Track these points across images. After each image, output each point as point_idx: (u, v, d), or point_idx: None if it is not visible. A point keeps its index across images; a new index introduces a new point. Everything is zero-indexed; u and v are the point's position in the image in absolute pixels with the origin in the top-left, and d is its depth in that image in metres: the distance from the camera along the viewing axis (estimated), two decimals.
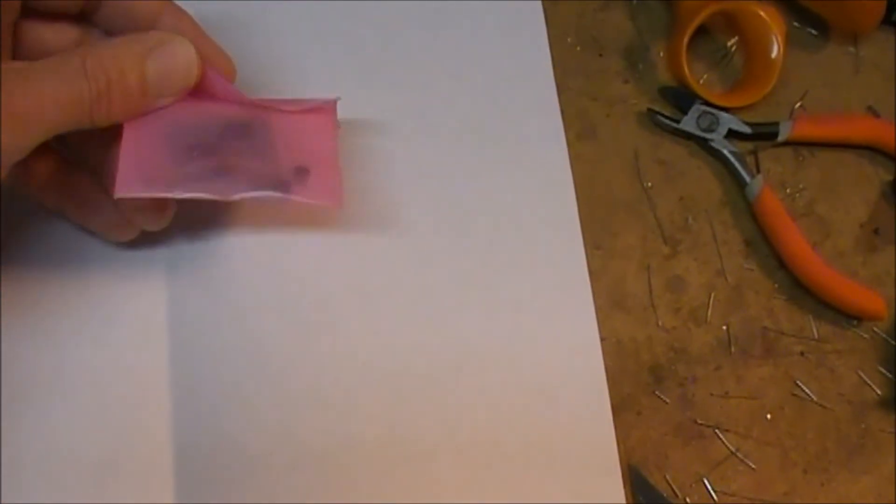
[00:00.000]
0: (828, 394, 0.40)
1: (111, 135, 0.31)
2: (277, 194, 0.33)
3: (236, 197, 0.32)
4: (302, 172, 0.34)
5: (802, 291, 0.41)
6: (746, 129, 0.42)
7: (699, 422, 0.38)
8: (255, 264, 0.38)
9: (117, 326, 0.36)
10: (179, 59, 0.31)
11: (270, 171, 0.33)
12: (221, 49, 0.34)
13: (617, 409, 0.38)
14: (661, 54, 0.44)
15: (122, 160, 0.31)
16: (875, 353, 0.40)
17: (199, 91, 0.32)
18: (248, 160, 0.33)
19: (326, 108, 0.35)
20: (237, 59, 0.34)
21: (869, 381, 0.40)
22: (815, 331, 0.40)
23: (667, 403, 0.39)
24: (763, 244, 0.41)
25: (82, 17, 0.32)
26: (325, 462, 0.36)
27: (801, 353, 0.40)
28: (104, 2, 0.31)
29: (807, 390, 0.40)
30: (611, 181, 0.42)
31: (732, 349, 0.40)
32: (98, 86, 0.28)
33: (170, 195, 0.32)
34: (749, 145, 0.43)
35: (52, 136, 0.28)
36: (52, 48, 0.32)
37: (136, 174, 0.31)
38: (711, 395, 0.39)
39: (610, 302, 0.40)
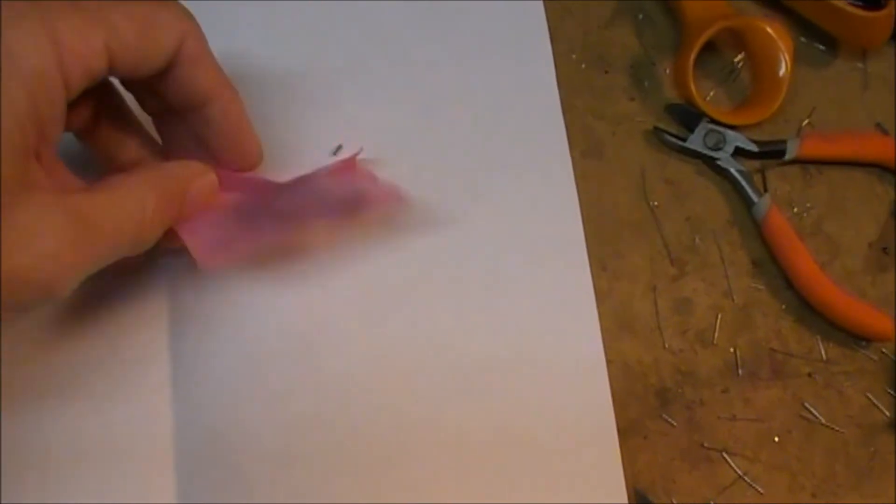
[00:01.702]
0: (836, 416, 0.39)
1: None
2: (351, 208, 0.36)
3: (314, 231, 0.36)
4: (359, 193, 0.36)
5: (810, 312, 0.40)
6: (753, 148, 0.42)
7: (706, 445, 0.38)
8: (253, 280, 0.38)
9: (120, 350, 0.36)
10: (204, 191, 0.33)
11: (333, 203, 0.35)
12: (257, 139, 0.34)
13: (623, 433, 0.37)
14: (668, 71, 0.44)
15: (188, 238, 0.32)
16: (884, 375, 0.40)
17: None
18: (309, 204, 0.35)
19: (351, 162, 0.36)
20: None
21: (878, 404, 0.40)
22: (823, 352, 0.40)
23: (674, 426, 0.38)
24: (771, 264, 0.41)
25: (146, 83, 0.32)
26: (327, 477, 0.35)
27: (809, 375, 0.40)
28: (167, 78, 0.31)
29: (815, 412, 0.39)
30: (617, 200, 0.41)
31: (740, 371, 0.39)
32: (153, 230, 0.30)
33: (254, 246, 0.34)
34: (756, 164, 0.42)
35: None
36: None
37: (211, 245, 0.33)
38: (719, 417, 0.39)
39: (616, 324, 0.39)
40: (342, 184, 0.36)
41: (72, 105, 0.32)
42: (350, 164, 0.36)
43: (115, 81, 0.33)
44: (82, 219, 0.27)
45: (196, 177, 0.32)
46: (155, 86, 0.31)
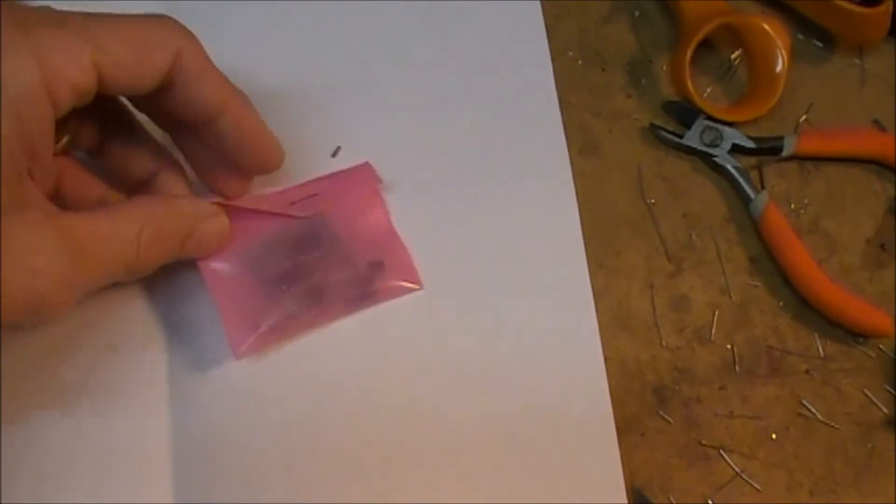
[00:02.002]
0: (834, 413, 0.39)
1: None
2: (370, 306, 0.37)
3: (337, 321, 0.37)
4: (377, 266, 0.37)
5: (808, 309, 0.40)
6: (750, 144, 0.42)
7: (704, 443, 0.38)
8: None
9: (118, 350, 0.36)
10: (214, 235, 0.33)
11: (353, 276, 0.36)
12: (276, 140, 0.34)
13: (621, 430, 0.37)
14: (665, 68, 0.44)
15: (224, 318, 0.34)
16: (882, 372, 0.40)
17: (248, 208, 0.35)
18: (331, 272, 0.36)
19: (368, 176, 0.38)
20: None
21: (876, 401, 0.40)
22: (820, 349, 0.40)
23: (671, 424, 0.38)
24: (768, 261, 0.41)
25: (153, 101, 0.31)
26: (326, 478, 0.35)
27: (807, 372, 0.40)
28: (170, 94, 0.31)
29: (813, 410, 0.39)
30: (614, 198, 0.41)
31: (737, 368, 0.39)
32: (149, 259, 0.30)
33: (284, 339, 0.36)
34: (753, 160, 0.42)
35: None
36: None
37: (243, 328, 0.34)
38: (716, 415, 0.39)
39: (613, 321, 0.39)
40: (357, 217, 0.37)
41: (79, 124, 0.32)
42: (373, 197, 0.38)
43: (124, 99, 0.33)
44: (75, 239, 0.27)
45: (206, 217, 0.33)
46: (161, 103, 0.31)
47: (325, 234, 0.36)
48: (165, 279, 0.36)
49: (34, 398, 0.35)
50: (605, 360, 0.38)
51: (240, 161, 0.34)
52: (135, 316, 0.37)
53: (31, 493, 0.34)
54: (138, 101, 0.33)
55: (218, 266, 0.34)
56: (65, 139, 0.32)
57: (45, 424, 0.35)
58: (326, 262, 0.36)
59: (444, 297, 0.38)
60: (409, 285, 0.38)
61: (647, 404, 0.38)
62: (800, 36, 0.45)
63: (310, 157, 0.39)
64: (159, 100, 0.31)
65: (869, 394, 0.40)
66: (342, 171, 0.38)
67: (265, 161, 0.34)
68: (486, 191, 0.40)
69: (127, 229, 0.29)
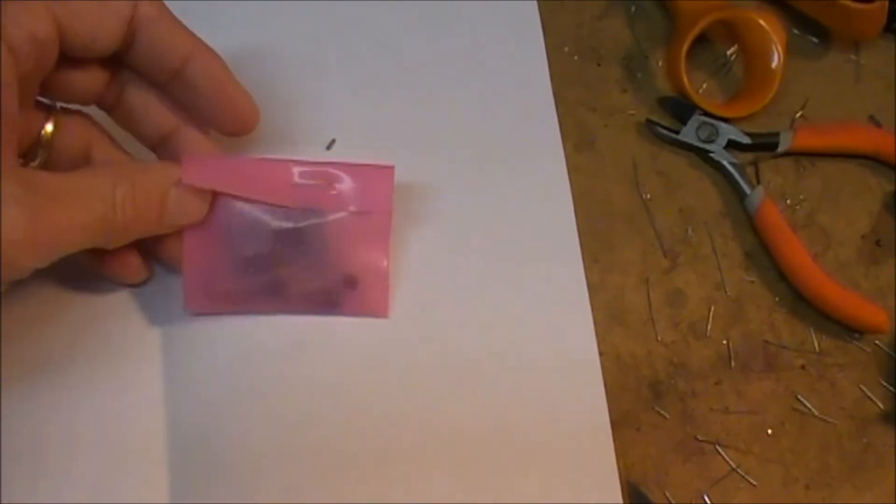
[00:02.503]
0: (829, 408, 0.39)
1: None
2: (327, 312, 0.36)
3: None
4: (351, 282, 0.36)
5: (804, 304, 0.40)
6: (746, 140, 0.42)
7: (699, 438, 0.38)
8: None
9: (112, 344, 0.36)
10: (194, 200, 0.32)
11: (319, 285, 0.36)
12: (248, 94, 0.34)
13: (616, 425, 0.37)
14: (661, 63, 0.44)
15: (187, 274, 0.34)
16: (877, 367, 0.40)
17: (247, 177, 0.34)
18: (300, 273, 0.35)
19: (386, 187, 0.35)
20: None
21: (871, 396, 0.40)
22: (816, 344, 0.40)
23: (666, 419, 0.38)
24: (764, 256, 0.41)
25: (114, 59, 0.32)
26: (321, 475, 0.35)
27: (803, 367, 0.40)
28: (136, 46, 0.31)
29: (808, 405, 0.39)
30: (609, 193, 0.41)
31: (733, 364, 0.39)
32: (125, 218, 0.30)
33: (234, 311, 0.36)
34: (749, 156, 0.42)
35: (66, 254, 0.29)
36: (82, 92, 0.32)
37: (203, 291, 0.34)
38: (711, 410, 0.38)
39: (609, 316, 0.39)
40: (354, 234, 0.36)
41: (90, 79, 0.32)
42: (382, 219, 0.36)
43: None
44: (40, 192, 0.27)
45: (177, 177, 0.32)
46: (130, 60, 0.32)
47: (313, 235, 0.35)
48: (158, 272, 0.36)
49: (29, 391, 0.35)
50: (600, 355, 0.38)
51: (213, 117, 0.34)
52: (127, 309, 0.37)
53: (26, 489, 0.34)
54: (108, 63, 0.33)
55: (197, 228, 0.34)
56: (38, 159, 0.32)
57: (39, 418, 0.35)
58: (302, 262, 0.35)
59: (438, 291, 0.38)
60: (375, 313, 0.37)
61: (643, 399, 0.38)
62: (795, 31, 0.45)
63: (304, 148, 0.39)
64: (128, 57, 0.31)
65: (864, 389, 0.40)
66: (364, 167, 0.35)
67: (239, 116, 0.34)
68: (480, 185, 0.40)
69: (101, 185, 0.29)
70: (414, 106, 0.41)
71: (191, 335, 0.36)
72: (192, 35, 0.32)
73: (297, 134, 0.39)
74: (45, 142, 0.32)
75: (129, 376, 0.36)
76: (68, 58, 0.30)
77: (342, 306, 0.36)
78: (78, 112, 0.34)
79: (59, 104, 0.33)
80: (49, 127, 0.32)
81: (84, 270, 0.35)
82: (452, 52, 0.42)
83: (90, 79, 0.32)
